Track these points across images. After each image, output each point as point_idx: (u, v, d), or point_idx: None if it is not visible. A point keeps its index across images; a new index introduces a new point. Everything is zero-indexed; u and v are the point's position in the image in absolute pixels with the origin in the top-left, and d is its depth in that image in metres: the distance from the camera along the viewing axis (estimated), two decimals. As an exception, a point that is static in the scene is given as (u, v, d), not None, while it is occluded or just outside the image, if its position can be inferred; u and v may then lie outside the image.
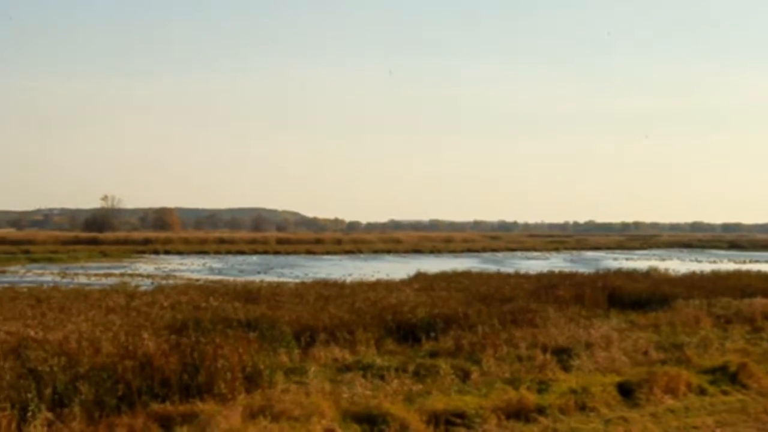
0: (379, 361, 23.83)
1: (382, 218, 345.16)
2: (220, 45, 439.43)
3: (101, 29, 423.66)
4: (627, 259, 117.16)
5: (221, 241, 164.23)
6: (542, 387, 20.56)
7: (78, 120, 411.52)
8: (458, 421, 17.59)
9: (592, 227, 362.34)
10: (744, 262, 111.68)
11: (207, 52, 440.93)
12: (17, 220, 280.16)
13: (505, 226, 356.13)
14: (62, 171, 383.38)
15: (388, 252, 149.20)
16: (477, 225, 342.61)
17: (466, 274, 53.33)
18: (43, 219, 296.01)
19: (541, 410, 18.69)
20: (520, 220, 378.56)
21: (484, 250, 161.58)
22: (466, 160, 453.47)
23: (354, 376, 21.49)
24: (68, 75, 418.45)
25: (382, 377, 21.39)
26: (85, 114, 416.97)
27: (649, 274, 53.28)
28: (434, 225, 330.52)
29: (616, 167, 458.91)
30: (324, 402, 18.11)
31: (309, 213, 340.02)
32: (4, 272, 78.40)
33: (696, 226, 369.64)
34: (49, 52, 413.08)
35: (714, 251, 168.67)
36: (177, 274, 76.54)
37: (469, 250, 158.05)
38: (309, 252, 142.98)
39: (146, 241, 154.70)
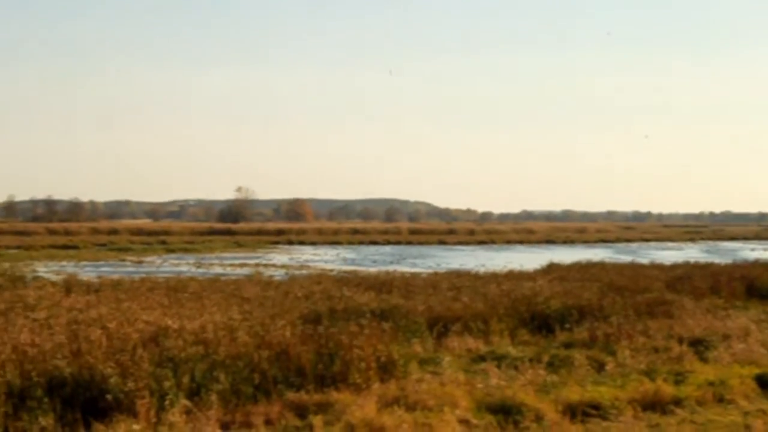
0: (513, 351, 23.70)
1: (515, 208, 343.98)
2: (366, 39, 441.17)
3: (250, 22, 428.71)
4: (766, 250, 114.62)
5: (354, 231, 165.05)
6: (679, 378, 20.21)
7: (215, 113, 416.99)
8: (594, 412, 17.38)
9: (728, 217, 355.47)
10: None
11: (353, 47, 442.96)
12: (154, 211, 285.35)
13: (638, 217, 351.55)
14: (198, 163, 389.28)
15: (521, 242, 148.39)
16: (610, 215, 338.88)
17: (600, 265, 52.72)
18: (179, 210, 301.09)
19: (677, 402, 18.35)
20: (654, 210, 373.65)
21: (618, 240, 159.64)
22: (598, 150, 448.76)
23: (488, 367, 21.39)
24: (206, 68, 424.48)
25: (516, 368, 21.26)
26: (221, 107, 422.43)
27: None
28: (567, 215, 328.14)
29: (753, 155, 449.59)
30: (458, 392, 18.06)
31: (441, 203, 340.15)
32: (141, 262, 79.85)
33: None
34: (199, 45, 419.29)
35: None
36: (310, 264, 77.13)
37: (603, 241, 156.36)
38: (441, 242, 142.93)
39: (280, 232, 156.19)
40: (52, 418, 15.73)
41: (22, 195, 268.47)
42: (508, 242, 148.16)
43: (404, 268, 61.37)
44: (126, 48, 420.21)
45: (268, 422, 16.86)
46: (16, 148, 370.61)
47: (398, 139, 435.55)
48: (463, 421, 16.29)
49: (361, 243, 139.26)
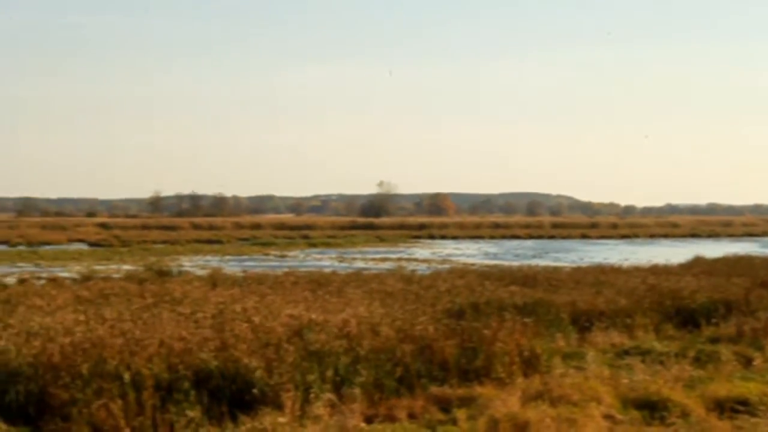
0: (658, 346, 23.39)
1: (659, 202, 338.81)
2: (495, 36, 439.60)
3: (386, 19, 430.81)
4: None
5: (496, 225, 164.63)
6: (830, 375, 19.73)
7: (355, 108, 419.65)
8: (741, 408, 17.01)
9: None
10: None
11: (495, 40, 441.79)
12: (296, 205, 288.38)
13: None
14: (339, 158, 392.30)
15: (665, 236, 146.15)
16: (757, 208, 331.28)
17: (747, 259, 51.67)
18: (321, 205, 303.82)
19: (831, 399, 17.86)
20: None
21: (765, 234, 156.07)
22: (745, 143, 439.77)
23: (632, 362, 21.12)
24: (340, 63, 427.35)
25: (661, 363, 20.95)
26: (358, 102, 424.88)
27: None
28: (712, 209, 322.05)
29: None
30: (602, 387, 17.86)
31: (583, 197, 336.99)
32: (284, 257, 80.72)
33: None
34: (319, 41, 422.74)
35: None
36: (452, 258, 77.10)
37: (749, 235, 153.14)
38: (583, 236, 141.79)
39: (421, 226, 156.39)
40: (199, 410, 15.99)
41: (168, 190, 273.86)
42: (652, 236, 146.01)
43: (546, 263, 61.00)
44: (268, 45, 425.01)
45: (411, 416, 16.90)
46: (162, 145, 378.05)
47: (540, 133, 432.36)
48: (608, 417, 16.10)
49: (502, 237, 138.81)
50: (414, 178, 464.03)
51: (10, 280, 45.47)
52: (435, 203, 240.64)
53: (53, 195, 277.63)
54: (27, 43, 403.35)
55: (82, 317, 21.61)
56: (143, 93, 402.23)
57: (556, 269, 43.70)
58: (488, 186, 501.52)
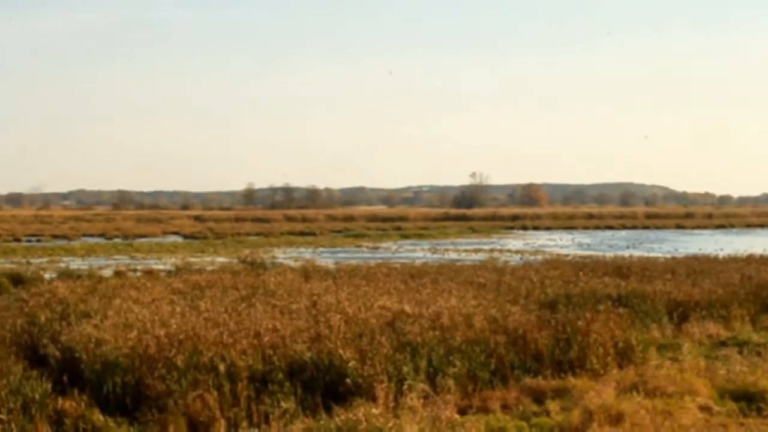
0: (755, 337, 23.10)
1: (755, 191, 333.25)
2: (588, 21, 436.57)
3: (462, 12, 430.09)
4: None
5: (589, 216, 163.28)
6: None
7: (447, 100, 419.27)
8: (842, 401, 16.72)
9: None
10: None
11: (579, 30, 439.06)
12: (389, 197, 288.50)
13: None
14: (432, 149, 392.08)
15: (762, 226, 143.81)
16: None
17: None
18: (414, 196, 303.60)
19: None
20: None
21: None
22: None
23: (729, 353, 20.89)
24: (434, 55, 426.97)
25: (758, 354, 20.71)
26: (449, 94, 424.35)
27: None
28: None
29: None
30: (698, 379, 17.67)
31: (678, 187, 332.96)
32: (377, 248, 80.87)
33: None
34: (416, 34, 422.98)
35: None
36: (545, 249, 76.66)
37: None
38: (678, 226, 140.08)
39: (514, 217, 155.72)
40: (293, 401, 16.11)
41: (261, 183, 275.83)
42: (748, 226, 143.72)
43: (641, 253, 60.39)
44: (360, 37, 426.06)
45: (504, 407, 16.86)
46: (256, 138, 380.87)
47: (633, 122, 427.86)
48: (704, 408, 15.93)
49: (596, 228, 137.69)
50: (506, 169, 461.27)
51: (107, 273, 46.22)
52: (528, 194, 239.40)
53: (148, 188, 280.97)
54: (121, 38, 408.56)
55: (177, 309, 21.89)
56: (235, 88, 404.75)
57: (650, 260, 43.26)
58: (581, 176, 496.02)
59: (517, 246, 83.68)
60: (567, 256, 58.01)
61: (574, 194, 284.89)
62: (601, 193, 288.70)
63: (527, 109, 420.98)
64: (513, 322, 20.43)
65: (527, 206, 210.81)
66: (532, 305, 23.88)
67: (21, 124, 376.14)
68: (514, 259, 54.90)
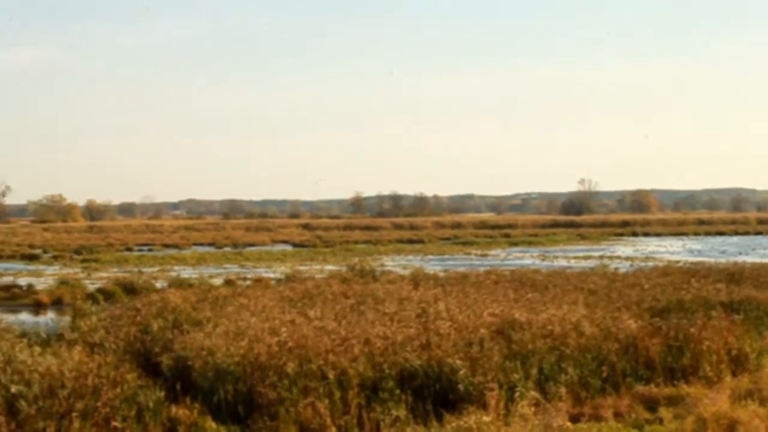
0: None
1: None
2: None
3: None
4: None
5: (700, 222, 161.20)
6: None
7: (555, 107, 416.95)
8: None
9: None
10: None
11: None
12: (497, 204, 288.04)
13: None
14: (540, 156, 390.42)
15: None
16: None
17: None
18: (522, 203, 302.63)
19: None
20: None
21: None
22: None
23: None
24: (539, 61, 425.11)
25: None
26: (559, 99, 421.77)
27: None
28: None
29: None
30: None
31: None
32: (485, 255, 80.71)
33: None
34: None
35: None
36: (656, 255, 75.84)
37: None
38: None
39: (624, 224, 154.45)
40: (404, 409, 16.11)
41: (369, 191, 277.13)
42: None
43: (754, 259, 59.43)
44: (462, 42, 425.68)
45: (617, 415, 16.72)
46: (362, 146, 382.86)
47: (743, 127, 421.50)
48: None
49: (706, 234, 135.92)
50: (616, 175, 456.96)
51: (218, 281, 46.72)
52: (637, 200, 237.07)
53: (257, 197, 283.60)
54: (218, 49, 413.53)
55: (287, 317, 22.05)
56: (342, 95, 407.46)
57: (763, 266, 42.50)
58: (691, 182, 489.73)
59: (627, 253, 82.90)
60: (678, 262, 57.33)
61: (684, 200, 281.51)
62: (711, 199, 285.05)
63: (636, 114, 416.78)
64: (624, 329, 20.24)
65: (637, 212, 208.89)
66: (643, 312, 23.62)
67: (133, 135, 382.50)
68: (624, 266, 54.38)
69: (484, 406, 15.81)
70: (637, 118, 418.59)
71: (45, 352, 19.08)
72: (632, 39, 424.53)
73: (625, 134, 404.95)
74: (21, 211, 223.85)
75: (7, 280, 55.66)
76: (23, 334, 23.34)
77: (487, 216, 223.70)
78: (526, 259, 73.29)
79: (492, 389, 16.32)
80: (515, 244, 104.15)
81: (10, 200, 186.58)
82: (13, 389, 16.18)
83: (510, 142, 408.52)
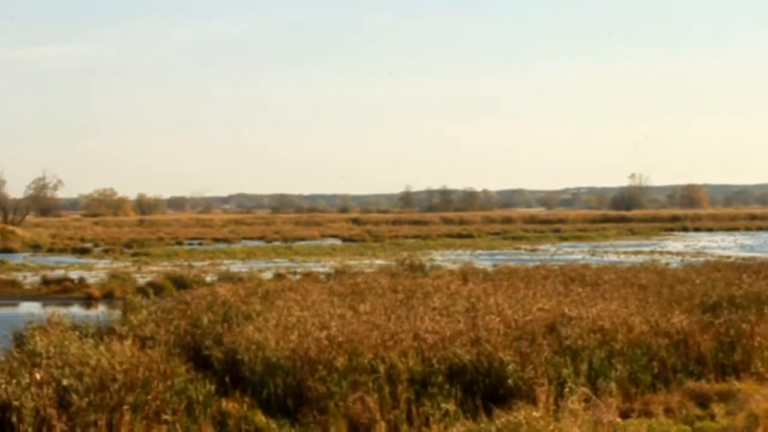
0: None
1: None
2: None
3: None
4: None
5: (752, 217, 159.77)
6: None
7: (601, 100, 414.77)
8: None
9: None
10: None
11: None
12: (546, 199, 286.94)
13: None
14: (590, 150, 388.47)
15: None
16: None
17: None
18: (572, 198, 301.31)
19: None
20: None
21: None
22: None
23: None
24: (597, 58, 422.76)
25: None
26: (609, 94, 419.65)
27: None
28: None
29: None
30: None
31: None
32: (535, 250, 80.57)
33: None
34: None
35: None
36: (707, 251, 75.31)
37: None
38: None
39: (674, 219, 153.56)
40: (453, 403, 16.09)
41: (419, 185, 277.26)
42: None
43: (807, 255, 58.87)
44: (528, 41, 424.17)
45: (667, 411, 16.62)
46: (411, 141, 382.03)
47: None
48: None
49: (759, 229, 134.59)
50: (666, 170, 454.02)
51: (267, 275, 46.93)
52: (688, 195, 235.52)
53: (307, 191, 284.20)
54: (279, 43, 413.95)
55: (337, 311, 22.08)
56: (395, 92, 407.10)
57: (817, 261, 42.11)
58: (744, 177, 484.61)
59: (678, 248, 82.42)
60: (729, 257, 56.94)
61: (736, 195, 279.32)
62: (764, 194, 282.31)
63: (687, 108, 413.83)
64: (675, 324, 20.12)
65: (688, 207, 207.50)
66: (694, 308, 23.46)
67: (182, 130, 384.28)
68: (675, 261, 54.05)
69: (533, 402, 15.75)
70: (688, 112, 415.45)
71: (96, 346, 19.23)
72: (681, 35, 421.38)
73: (676, 129, 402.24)
74: (72, 204, 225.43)
75: (59, 273, 56.27)
76: (74, 327, 23.55)
77: (537, 211, 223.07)
78: (576, 254, 73.04)
79: (542, 384, 16.27)
80: (565, 239, 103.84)
81: (62, 194, 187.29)
82: (65, 382, 16.31)
83: (559, 136, 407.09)
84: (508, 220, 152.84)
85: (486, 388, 17.04)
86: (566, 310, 21.32)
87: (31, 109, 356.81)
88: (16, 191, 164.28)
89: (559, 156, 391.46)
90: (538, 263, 46.97)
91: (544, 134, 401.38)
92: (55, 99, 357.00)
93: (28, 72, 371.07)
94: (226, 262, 66.46)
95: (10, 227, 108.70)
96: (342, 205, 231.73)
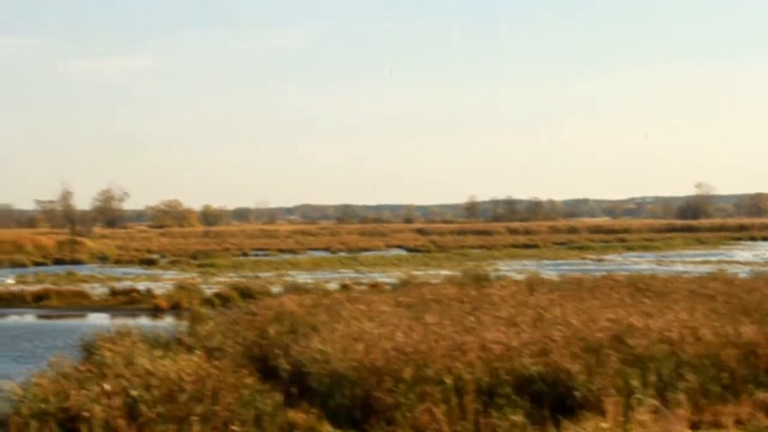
0: None
1: None
2: None
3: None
4: None
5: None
6: None
7: (668, 110, 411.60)
8: None
9: None
10: None
11: None
12: (611, 208, 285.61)
13: None
14: (655, 159, 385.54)
15: None
16: None
17: None
18: (636, 207, 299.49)
19: None
20: None
21: None
22: None
23: None
24: (663, 63, 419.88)
25: None
26: (673, 101, 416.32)
27: None
28: None
29: None
30: None
31: None
32: (601, 260, 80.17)
33: None
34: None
35: None
36: (775, 260, 74.50)
37: None
38: None
39: (742, 228, 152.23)
40: (521, 415, 16.03)
41: (483, 195, 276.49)
42: None
43: None
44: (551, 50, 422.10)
45: (738, 422, 16.48)
46: (476, 150, 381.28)
47: None
48: None
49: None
50: (733, 178, 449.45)
51: (333, 286, 47.01)
52: (756, 204, 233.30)
53: (371, 202, 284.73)
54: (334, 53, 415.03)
55: (403, 322, 22.07)
56: (458, 101, 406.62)
57: None
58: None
59: (746, 257, 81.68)
60: (799, 267, 56.21)
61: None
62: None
63: (753, 115, 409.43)
64: (744, 335, 19.90)
65: (755, 216, 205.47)
66: (763, 318, 23.19)
67: (247, 141, 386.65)
68: (743, 271, 53.47)
69: (602, 413, 15.68)
70: (757, 118, 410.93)
71: (164, 357, 19.38)
72: (745, 40, 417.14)
73: (743, 136, 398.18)
74: (139, 216, 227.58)
75: (126, 284, 56.80)
76: (142, 339, 23.75)
77: (603, 220, 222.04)
78: (643, 264, 72.58)
79: (610, 395, 16.17)
80: (631, 249, 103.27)
81: (129, 205, 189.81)
82: (134, 393, 16.46)
83: (623, 145, 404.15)
84: (573, 230, 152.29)
85: (554, 399, 16.95)
86: (634, 320, 21.16)
87: (97, 122, 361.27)
88: (83, 203, 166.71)
89: (624, 165, 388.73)
90: (604, 273, 46.69)
91: (609, 143, 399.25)
92: (120, 111, 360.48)
93: (92, 85, 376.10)
94: (291, 272, 66.75)
95: (78, 238, 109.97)
96: (407, 215, 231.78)
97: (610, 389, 16.44)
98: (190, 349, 21.48)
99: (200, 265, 77.84)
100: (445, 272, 58.36)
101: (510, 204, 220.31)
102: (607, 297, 28.16)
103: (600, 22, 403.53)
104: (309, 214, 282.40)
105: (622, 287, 32.95)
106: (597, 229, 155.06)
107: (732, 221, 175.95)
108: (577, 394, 16.68)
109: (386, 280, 52.77)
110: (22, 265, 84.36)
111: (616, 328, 20.52)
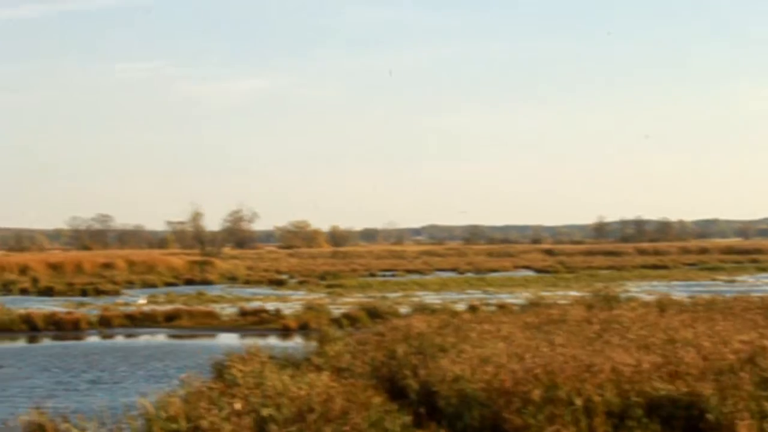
0: None
1: None
2: None
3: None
4: None
5: None
6: None
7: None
8: None
9: None
10: None
11: None
12: (743, 229, 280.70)
13: None
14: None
15: None
16: None
17: None
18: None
19: None
20: None
21: None
22: None
23: None
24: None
25: None
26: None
27: None
28: None
29: None
30: None
31: None
32: (733, 281, 78.85)
33: None
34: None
35: None
36: None
37: None
38: None
39: None
40: (653, 438, 15.84)
41: (612, 216, 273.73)
42: None
43: None
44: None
45: None
46: (605, 170, 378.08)
47: None
48: None
49: None
50: None
51: (461, 307, 46.98)
52: None
53: (499, 222, 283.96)
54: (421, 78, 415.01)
55: (532, 343, 21.98)
56: (575, 120, 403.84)
57: None
58: None
59: None
60: None
61: None
62: None
63: None
64: None
65: None
66: None
67: (373, 162, 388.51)
68: None
69: (735, 436, 15.41)
70: None
71: (294, 376, 19.57)
72: None
73: None
74: (268, 236, 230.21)
75: (256, 304, 57.49)
76: (272, 358, 24.04)
77: (734, 241, 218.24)
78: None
79: (743, 419, 15.87)
80: (764, 270, 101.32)
81: (258, 226, 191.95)
82: (264, 412, 16.64)
83: (755, 164, 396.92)
84: (704, 251, 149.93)
85: (685, 423, 16.70)
86: (767, 342, 20.75)
87: (226, 143, 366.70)
88: (213, 224, 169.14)
89: (756, 185, 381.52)
90: (736, 294, 45.91)
91: (740, 163, 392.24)
92: (249, 132, 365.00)
93: (220, 106, 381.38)
94: (419, 293, 66.88)
95: (208, 259, 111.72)
96: (534, 236, 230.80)
97: (743, 412, 16.13)
98: (319, 369, 21.67)
99: (328, 286, 78.53)
100: (573, 293, 57.98)
101: (639, 224, 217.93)
102: (740, 319, 27.69)
103: None
104: (436, 234, 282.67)
105: (755, 309, 32.38)
106: (728, 250, 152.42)
107: None
108: (709, 416, 16.40)
109: (514, 301, 52.56)
110: (154, 286, 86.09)
111: (749, 350, 20.16)
